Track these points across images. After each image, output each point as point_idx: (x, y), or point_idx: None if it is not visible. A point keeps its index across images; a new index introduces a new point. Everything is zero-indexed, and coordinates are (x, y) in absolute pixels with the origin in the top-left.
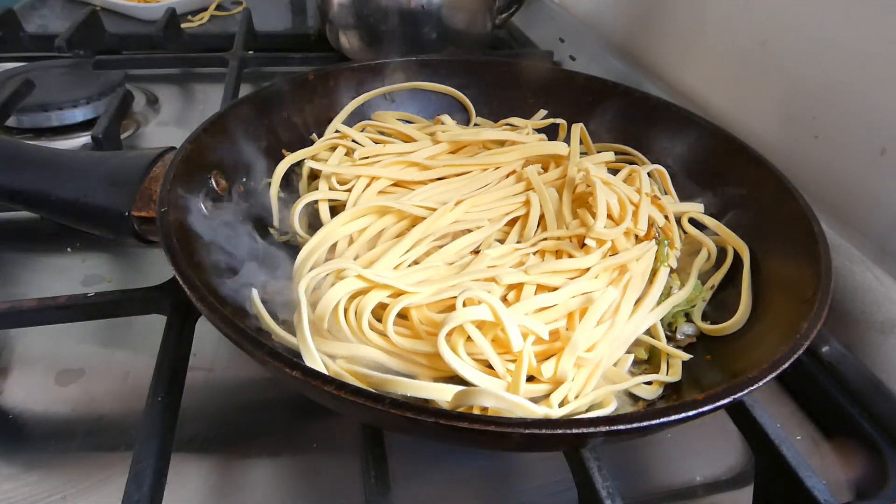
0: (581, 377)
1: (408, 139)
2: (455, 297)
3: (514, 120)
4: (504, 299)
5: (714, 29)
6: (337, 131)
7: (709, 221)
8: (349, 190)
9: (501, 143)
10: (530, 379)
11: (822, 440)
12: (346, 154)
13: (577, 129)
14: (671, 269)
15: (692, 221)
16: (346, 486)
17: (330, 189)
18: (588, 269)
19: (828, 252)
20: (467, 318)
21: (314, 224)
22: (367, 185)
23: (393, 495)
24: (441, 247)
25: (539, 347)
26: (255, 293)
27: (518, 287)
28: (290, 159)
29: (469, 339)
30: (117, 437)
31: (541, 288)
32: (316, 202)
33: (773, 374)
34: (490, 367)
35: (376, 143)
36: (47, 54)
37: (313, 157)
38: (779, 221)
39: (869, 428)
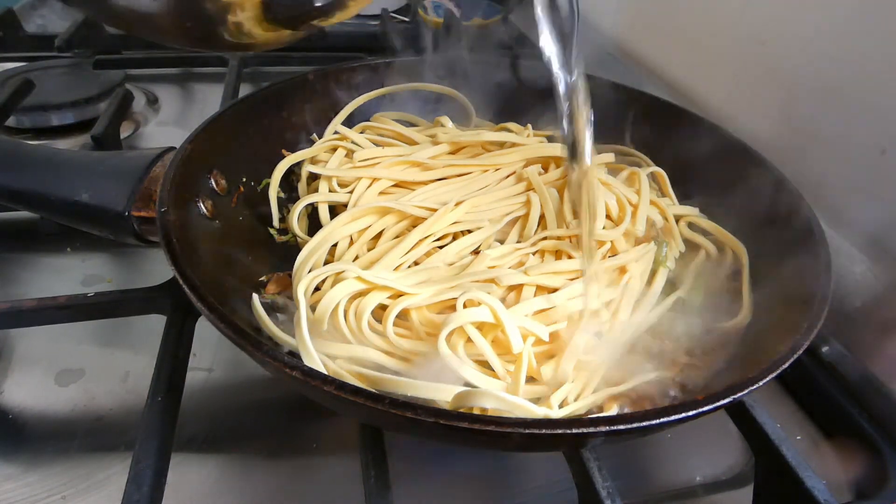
0: (581, 379)
1: (408, 141)
2: (455, 298)
3: (510, 125)
4: (503, 300)
5: (714, 29)
6: (336, 132)
7: (707, 224)
8: (350, 192)
9: (501, 145)
10: (530, 380)
11: (822, 440)
12: (346, 155)
13: None
14: (669, 270)
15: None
16: (346, 486)
17: (330, 190)
18: None
19: (828, 252)
20: (468, 319)
21: (314, 224)
22: (369, 186)
23: (393, 495)
24: (441, 247)
25: (539, 349)
26: (255, 298)
27: (518, 288)
28: (289, 160)
29: (469, 340)
30: (117, 437)
31: (540, 289)
32: (316, 203)
33: (773, 374)
34: (490, 367)
35: (376, 144)
36: (47, 54)
37: (313, 159)
38: (779, 221)
39: (869, 428)
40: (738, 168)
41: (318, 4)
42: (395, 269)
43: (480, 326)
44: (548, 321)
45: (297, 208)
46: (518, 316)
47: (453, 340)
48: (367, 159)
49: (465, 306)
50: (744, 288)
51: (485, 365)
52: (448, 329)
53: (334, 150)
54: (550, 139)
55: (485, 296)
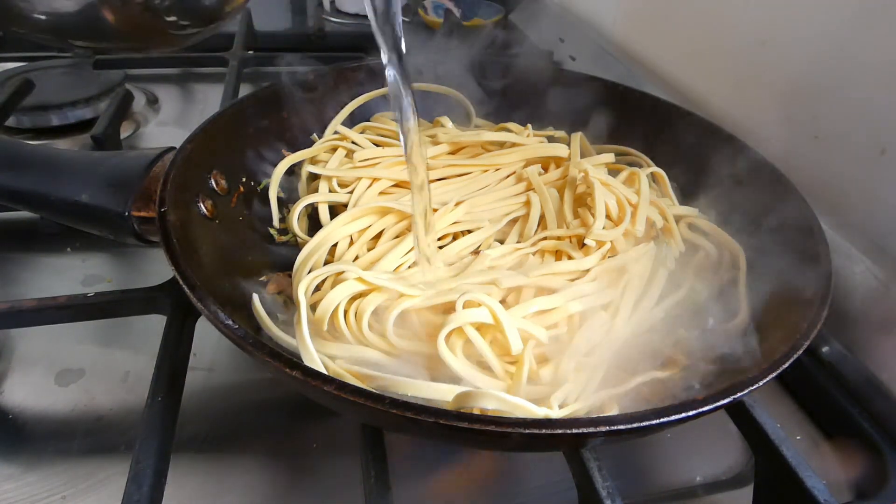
0: (581, 380)
1: None
2: (454, 299)
3: (510, 125)
4: (503, 301)
5: (714, 29)
6: (336, 132)
7: (705, 225)
8: (350, 192)
9: (501, 145)
10: (529, 381)
11: (822, 440)
12: (346, 155)
13: (577, 138)
14: (669, 270)
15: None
16: (346, 486)
17: (330, 191)
18: (587, 271)
19: (828, 252)
20: (467, 320)
21: (314, 224)
22: (369, 186)
23: (393, 495)
24: (442, 247)
25: (539, 350)
26: (255, 298)
27: (518, 289)
28: (289, 160)
29: (468, 341)
30: (117, 437)
31: (540, 290)
32: (316, 203)
33: (773, 374)
34: (489, 368)
35: (376, 144)
36: (47, 54)
37: (312, 159)
38: (778, 221)
39: (869, 428)
40: (739, 168)
41: (206, 3)
42: (395, 269)
43: (479, 327)
44: (548, 322)
45: (297, 208)
46: (517, 317)
47: (452, 341)
48: (368, 159)
49: (464, 307)
50: (740, 291)
51: (485, 366)
52: (447, 330)
53: (334, 150)
54: (550, 139)
55: (484, 297)
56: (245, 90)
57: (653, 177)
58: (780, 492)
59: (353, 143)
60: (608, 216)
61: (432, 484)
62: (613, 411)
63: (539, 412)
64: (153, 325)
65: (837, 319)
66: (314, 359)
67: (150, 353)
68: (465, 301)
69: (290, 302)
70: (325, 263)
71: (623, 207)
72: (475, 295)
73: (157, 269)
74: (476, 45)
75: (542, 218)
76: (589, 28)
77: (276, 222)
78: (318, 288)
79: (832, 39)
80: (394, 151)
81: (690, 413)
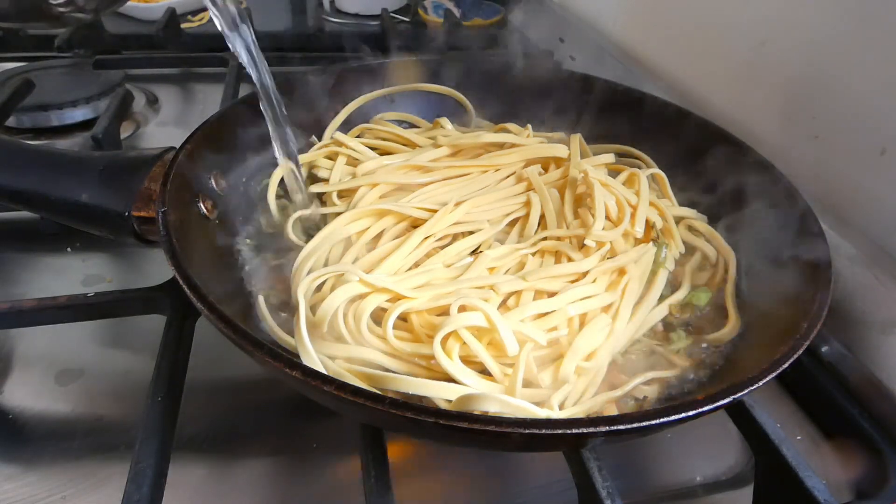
0: (581, 384)
1: (407, 143)
2: (452, 302)
3: (510, 126)
4: (504, 304)
5: (714, 29)
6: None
7: (701, 227)
8: (349, 201)
9: (501, 146)
10: (529, 384)
11: (822, 440)
12: (346, 162)
13: (576, 139)
14: (669, 272)
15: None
16: (346, 486)
17: (330, 204)
18: (587, 273)
19: (828, 252)
20: (461, 323)
21: (313, 225)
22: (370, 190)
23: (393, 495)
24: (442, 247)
25: (539, 353)
26: (259, 298)
27: (518, 292)
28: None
29: (465, 343)
30: (117, 437)
31: (540, 293)
32: None
33: (773, 374)
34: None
35: (374, 148)
36: (47, 54)
37: (312, 164)
38: (779, 222)
39: (869, 428)
40: (738, 168)
41: None
42: (395, 272)
43: (478, 330)
44: (548, 325)
45: (291, 219)
46: (514, 320)
47: (450, 344)
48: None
49: (459, 311)
50: (728, 297)
51: (484, 367)
52: (443, 333)
53: (334, 154)
54: (550, 139)
55: (478, 301)
56: (245, 90)
57: (653, 177)
58: (780, 492)
59: (352, 149)
60: (608, 217)
61: (432, 484)
62: (612, 412)
63: (540, 413)
64: (153, 325)
65: (837, 319)
66: (313, 359)
67: (150, 353)
68: (461, 304)
69: (290, 302)
70: (325, 265)
71: (622, 208)
72: (470, 299)
73: (157, 269)
74: (476, 45)
75: (542, 218)
76: (589, 28)
77: (276, 223)
78: (317, 289)
79: (832, 39)
80: (395, 159)
81: (690, 413)
